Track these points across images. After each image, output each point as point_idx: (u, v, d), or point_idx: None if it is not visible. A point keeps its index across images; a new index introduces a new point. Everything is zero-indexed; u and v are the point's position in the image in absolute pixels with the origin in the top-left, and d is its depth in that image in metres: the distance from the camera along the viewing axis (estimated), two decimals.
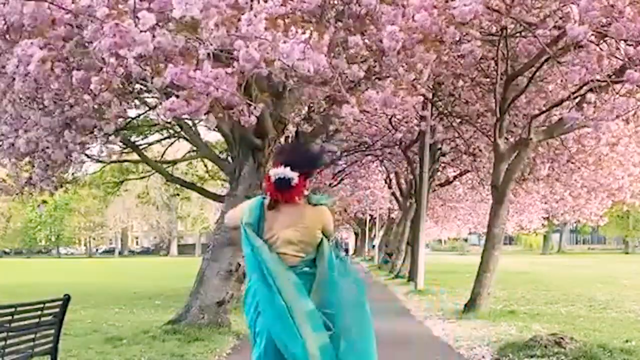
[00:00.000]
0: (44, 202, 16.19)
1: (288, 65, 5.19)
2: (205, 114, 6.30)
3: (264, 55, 5.02)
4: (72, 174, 15.92)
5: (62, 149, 12.87)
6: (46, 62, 5.34)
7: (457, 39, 7.20)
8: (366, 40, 6.86)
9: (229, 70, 5.25)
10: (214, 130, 20.24)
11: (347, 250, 67.64)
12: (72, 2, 5.03)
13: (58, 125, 12.39)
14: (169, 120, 15.32)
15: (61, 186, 15.52)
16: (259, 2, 5.08)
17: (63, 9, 5.03)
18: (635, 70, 8.38)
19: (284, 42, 5.04)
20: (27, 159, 13.64)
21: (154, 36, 4.91)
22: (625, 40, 7.71)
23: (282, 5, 5.17)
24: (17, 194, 14.87)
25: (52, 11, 4.91)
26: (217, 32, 4.78)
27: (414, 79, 7.25)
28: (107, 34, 4.78)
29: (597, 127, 12.43)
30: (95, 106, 10.47)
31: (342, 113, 6.91)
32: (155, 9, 4.77)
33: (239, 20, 4.91)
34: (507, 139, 15.86)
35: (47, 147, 12.68)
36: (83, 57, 6.33)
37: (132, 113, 17.96)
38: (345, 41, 6.79)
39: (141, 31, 4.81)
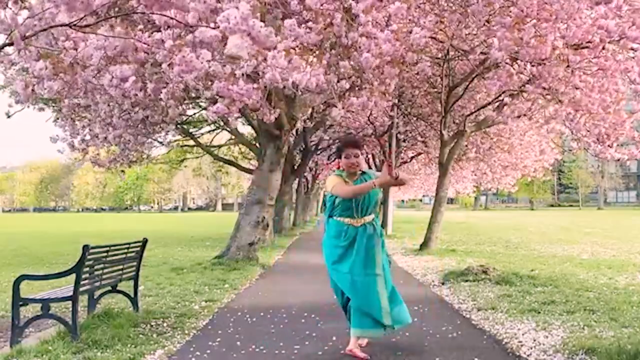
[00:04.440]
0: (122, 171, 16.62)
1: (297, 82, 5.26)
2: (236, 116, 6.36)
3: (282, 76, 5.08)
4: (146, 155, 16.22)
5: (137, 138, 13.25)
6: (137, 81, 5.40)
7: (415, 61, 7.22)
8: (351, 63, 6.89)
9: (256, 85, 5.32)
10: (247, 124, 20.42)
11: None
12: (149, 37, 5.07)
13: (135, 122, 12.58)
14: (215, 119, 15.77)
15: (134, 163, 15.98)
16: (281, 41, 5.15)
17: (142, 42, 5.06)
18: (536, 84, 8.41)
19: (298, 66, 5.15)
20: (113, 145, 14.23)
21: (209, 66, 4.98)
22: (530, 62, 7.71)
23: (293, 40, 5.24)
24: (106, 167, 15.31)
25: (135, 43, 4.95)
26: (250, 62, 4.83)
27: (384, 89, 7.26)
28: (177, 64, 4.84)
29: (505, 122, 12.51)
30: (162, 108, 10.65)
31: (332, 114, 6.96)
32: (207, 45, 4.81)
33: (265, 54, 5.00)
34: (449, 131, 15.86)
35: (127, 138, 13.25)
36: (155, 74, 6.41)
37: (190, 112, 18.14)
38: (337, 63, 6.82)
39: (202, 62, 4.90)
